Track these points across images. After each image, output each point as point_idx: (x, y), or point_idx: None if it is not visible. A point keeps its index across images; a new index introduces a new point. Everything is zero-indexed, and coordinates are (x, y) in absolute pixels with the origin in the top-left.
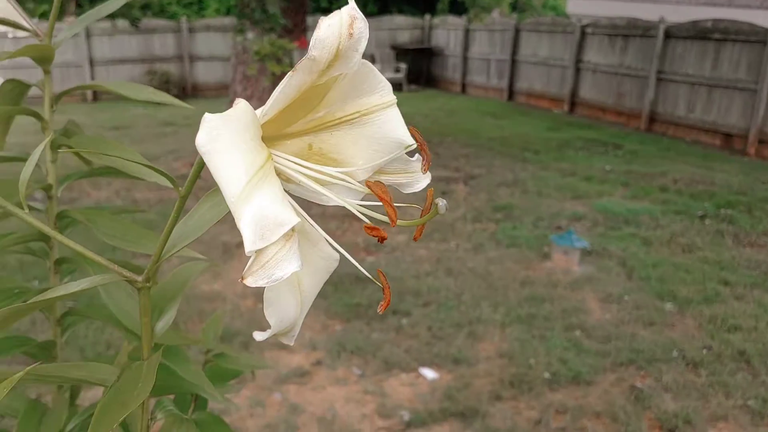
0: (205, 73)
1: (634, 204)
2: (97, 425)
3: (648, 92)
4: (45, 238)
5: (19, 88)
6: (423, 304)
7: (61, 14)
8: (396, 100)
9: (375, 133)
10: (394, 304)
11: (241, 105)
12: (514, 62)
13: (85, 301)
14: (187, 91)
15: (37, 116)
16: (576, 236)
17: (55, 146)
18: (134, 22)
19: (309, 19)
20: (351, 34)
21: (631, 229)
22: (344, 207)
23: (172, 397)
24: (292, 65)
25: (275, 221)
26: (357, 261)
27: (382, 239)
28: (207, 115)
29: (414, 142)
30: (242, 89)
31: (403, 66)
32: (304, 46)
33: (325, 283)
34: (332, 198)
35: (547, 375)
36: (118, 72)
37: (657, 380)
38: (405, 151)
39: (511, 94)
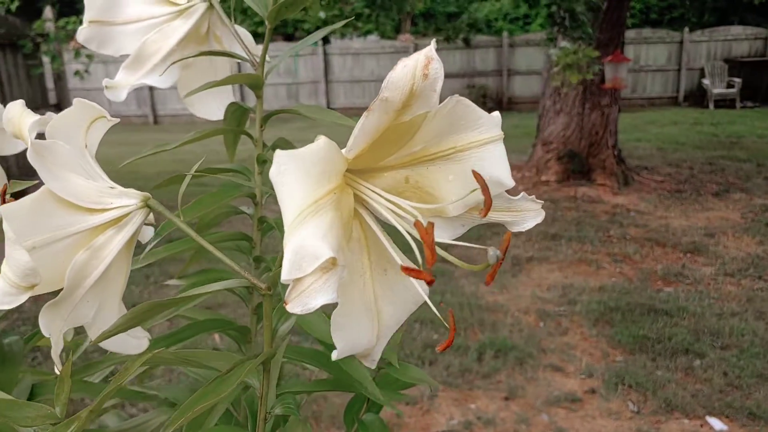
0: (521, 87)
1: None
2: (188, 407)
3: None
4: (248, 237)
5: (240, 110)
6: (722, 346)
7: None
8: (500, 137)
9: (468, 170)
10: (688, 342)
11: (317, 142)
12: None
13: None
14: (503, 104)
15: (249, 135)
16: None
17: (260, 160)
18: (467, 41)
19: (629, 33)
20: (426, 75)
21: None
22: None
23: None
24: (594, 75)
25: (312, 254)
26: (653, 291)
27: (429, 282)
28: (278, 151)
29: (513, 182)
30: (551, 103)
31: (736, 80)
32: (618, 60)
33: (611, 311)
34: (401, 230)
35: None
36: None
37: None
38: (504, 191)
39: None
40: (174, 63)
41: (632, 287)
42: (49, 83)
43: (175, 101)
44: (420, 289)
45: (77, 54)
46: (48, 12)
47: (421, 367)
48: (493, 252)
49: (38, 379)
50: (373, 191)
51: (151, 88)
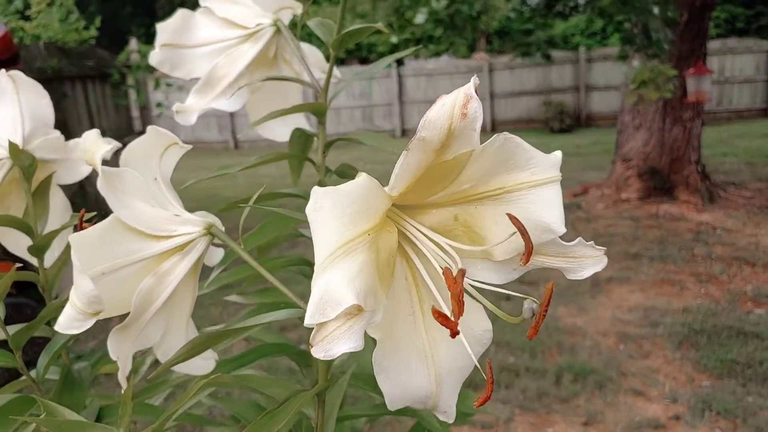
0: (599, 103)
1: None
2: None
3: None
4: (309, 263)
5: (304, 136)
6: None
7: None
8: (554, 179)
9: (518, 213)
10: None
11: (357, 179)
12: None
13: None
14: (581, 120)
15: (312, 162)
16: None
17: (322, 185)
18: (547, 56)
19: (714, 44)
20: (464, 115)
21: None
22: None
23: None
24: (672, 92)
25: (336, 299)
26: (742, 312)
27: (453, 334)
28: (315, 188)
29: (563, 229)
30: (630, 119)
31: None
32: (701, 72)
33: (697, 333)
34: (439, 271)
35: None
36: (516, 104)
37: None
38: (556, 236)
39: None
40: (241, 87)
41: (719, 309)
42: (135, 112)
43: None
44: (484, 327)
45: (157, 84)
46: (133, 43)
47: (496, 390)
48: (528, 305)
49: (105, 402)
50: (416, 228)
51: (232, 115)
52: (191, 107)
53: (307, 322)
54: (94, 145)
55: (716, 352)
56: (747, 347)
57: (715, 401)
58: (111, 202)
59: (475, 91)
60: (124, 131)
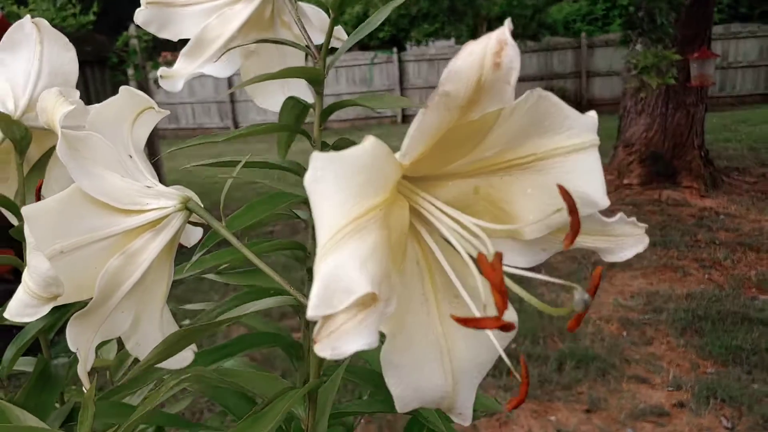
0: (601, 89)
1: None
2: None
3: None
4: (302, 246)
5: (299, 106)
6: None
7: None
8: (593, 144)
9: (552, 183)
10: None
11: (364, 143)
12: None
13: None
14: (582, 106)
15: (307, 134)
16: None
17: None
18: (535, 38)
19: (717, 28)
20: (497, 65)
21: None
22: None
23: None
24: (675, 77)
25: (346, 287)
26: (746, 298)
27: (504, 328)
28: (314, 153)
29: (607, 201)
30: (632, 104)
31: None
32: (704, 57)
33: (701, 320)
34: (464, 255)
35: None
36: (517, 90)
37: None
38: (595, 211)
39: None
40: (232, 49)
41: (723, 295)
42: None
43: (255, 113)
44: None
45: (155, 65)
46: (132, 29)
47: (498, 378)
48: (580, 296)
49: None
50: (433, 204)
51: (233, 101)
52: (178, 72)
53: (310, 314)
54: (53, 104)
55: (720, 338)
56: (752, 334)
57: (720, 388)
58: (72, 170)
59: (511, 35)
60: None
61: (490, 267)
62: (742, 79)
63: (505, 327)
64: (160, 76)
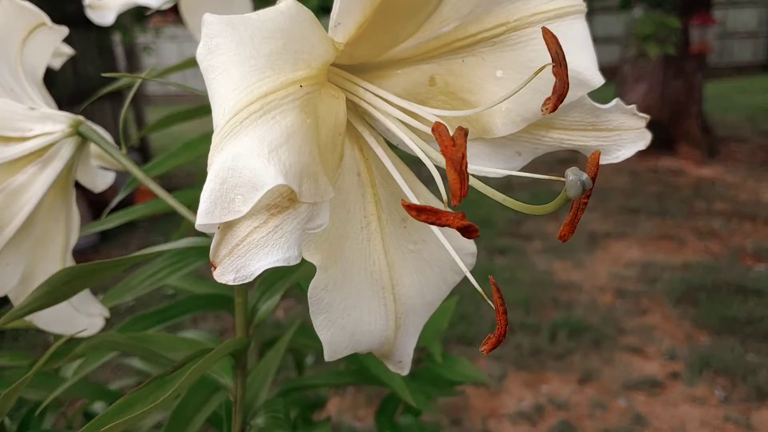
0: (599, 55)
1: None
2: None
3: None
4: None
5: None
6: None
7: None
8: (580, 8)
9: (530, 61)
10: None
11: (279, 4)
12: None
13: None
14: None
15: None
16: None
17: None
18: None
19: None
20: None
21: None
22: None
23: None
24: (675, 45)
25: (249, 180)
26: (742, 268)
27: (463, 230)
28: (206, 16)
29: (601, 79)
30: (630, 71)
31: None
32: (706, 23)
33: (696, 290)
34: (419, 154)
35: None
36: None
37: None
38: (585, 94)
39: None
40: None
41: (719, 264)
42: (121, 61)
43: None
44: (466, 250)
45: (143, 30)
46: None
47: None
48: (574, 176)
49: None
50: (377, 96)
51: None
52: (108, 2)
53: (199, 221)
54: None
55: (715, 308)
56: (747, 304)
57: (714, 359)
58: None
59: None
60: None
61: (449, 140)
62: (740, 48)
63: (468, 229)
64: (89, 6)
